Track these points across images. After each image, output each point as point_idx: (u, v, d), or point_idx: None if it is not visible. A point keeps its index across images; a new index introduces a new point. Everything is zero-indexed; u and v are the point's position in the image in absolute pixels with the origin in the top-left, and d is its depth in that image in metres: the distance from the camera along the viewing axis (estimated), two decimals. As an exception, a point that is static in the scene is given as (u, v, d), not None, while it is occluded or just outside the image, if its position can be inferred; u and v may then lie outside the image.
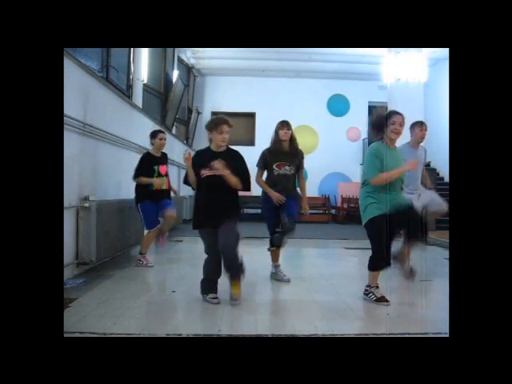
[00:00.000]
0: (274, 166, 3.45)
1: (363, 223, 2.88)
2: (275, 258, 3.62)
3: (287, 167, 3.46)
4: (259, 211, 11.11)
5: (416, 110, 7.49)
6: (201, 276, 2.96)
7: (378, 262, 2.82)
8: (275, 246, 3.51)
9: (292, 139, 3.50)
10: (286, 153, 3.47)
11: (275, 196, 3.36)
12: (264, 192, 3.51)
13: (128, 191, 5.02)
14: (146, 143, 5.85)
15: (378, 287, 2.89)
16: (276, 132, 3.50)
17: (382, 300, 2.82)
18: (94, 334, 2.17)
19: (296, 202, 3.51)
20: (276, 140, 3.48)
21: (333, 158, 11.15)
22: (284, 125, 3.48)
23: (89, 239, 3.51)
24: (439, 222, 7.73)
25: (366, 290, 2.93)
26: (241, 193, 2.82)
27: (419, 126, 3.84)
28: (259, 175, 3.54)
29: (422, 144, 3.95)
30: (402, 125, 2.88)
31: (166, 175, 4.21)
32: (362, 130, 11.33)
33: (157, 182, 3.99)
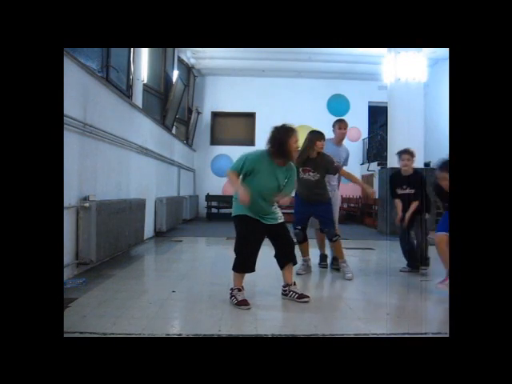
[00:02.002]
0: (300, 170, 3.64)
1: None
2: (303, 252, 3.87)
3: (311, 173, 3.64)
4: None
5: (416, 110, 7.49)
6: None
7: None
8: (297, 241, 3.69)
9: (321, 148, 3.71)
10: (312, 159, 3.65)
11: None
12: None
13: (128, 191, 5.02)
14: (146, 143, 5.87)
15: (240, 290, 2.76)
16: (312, 141, 3.62)
17: (242, 304, 2.69)
18: (94, 333, 2.17)
19: (326, 206, 3.72)
20: (310, 148, 3.62)
21: (333, 158, 11.13)
22: (323, 137, 3.66)
23: (89, 239, 3.51)
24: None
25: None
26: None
27: (337, 125, 4.12)
28: None
29: (344, 144, 4.25)
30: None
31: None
32: (362, 130, 11.33)
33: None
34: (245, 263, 2.76)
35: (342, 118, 4.36)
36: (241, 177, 2.76)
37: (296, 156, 2.86)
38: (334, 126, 4.18)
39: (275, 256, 2.91)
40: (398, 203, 3.93)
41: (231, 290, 2.83)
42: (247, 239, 2.76)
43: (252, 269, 2.77)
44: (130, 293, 3.04)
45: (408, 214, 3.83)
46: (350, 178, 3.95)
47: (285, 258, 2.88)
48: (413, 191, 3.86)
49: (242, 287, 2.81)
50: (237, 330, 2.28)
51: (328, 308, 2.77)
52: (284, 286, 2.95)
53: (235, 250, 2.81)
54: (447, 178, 2.98)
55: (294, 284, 2.94)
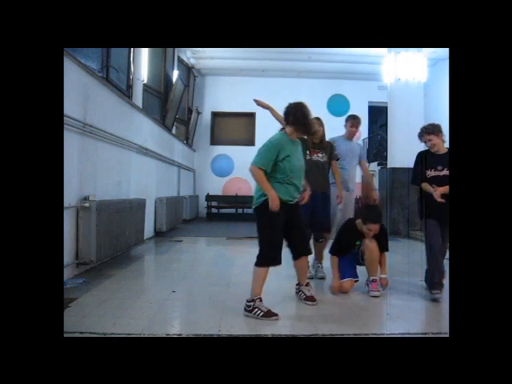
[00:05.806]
0: (308, 153, 3.59)
1: None
2: (317, 256, 3.77)
3: (320, 155, 3.63)
4: (259, 211, 11.00)
5: (416, 110, 7.48)
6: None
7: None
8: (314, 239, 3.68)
9: (323, 134, 3.70)
10: (316, 144, 3.66)
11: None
12: None
13: (128, 191, 5.02)
14: (146, 143, 5.87)
15: (261, 300, 2.55)
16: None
17: (269, 315, 2.48)
18: (93, 333, 2.17)
19: (325, 202, 3.64)
20: (313, 133, 3.46)
21: (333, 158, 11.14)
22: (322, 123, 3.66)
23: (89, 239, 3.51)
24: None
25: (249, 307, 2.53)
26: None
27: (349, 122, 4.05)
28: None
29: (357, 141, 4.30)
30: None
31: None
32: (362, 130, 11.32)
33: None
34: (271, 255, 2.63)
35: (355, 114, 4.19)
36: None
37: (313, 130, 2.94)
38: (346, 121, 4.10)
39: (289, 246, 2.80)
40: (427, 186, 3.04)
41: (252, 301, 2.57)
42: (273, 228, 2.62)
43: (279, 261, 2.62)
44: (130, 293, 3.04)
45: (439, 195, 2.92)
46: (367, 174, 4.23)
47: (299, 249, 2.78)
48: (448, 173, 2.97)
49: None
50: (237, 330, 2.28)
51: (328, 308, 2.76)
52: (296, 284, 2.94)
53: (260, 242, 2.67)
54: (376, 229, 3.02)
55: (307, 285, 2.91)
